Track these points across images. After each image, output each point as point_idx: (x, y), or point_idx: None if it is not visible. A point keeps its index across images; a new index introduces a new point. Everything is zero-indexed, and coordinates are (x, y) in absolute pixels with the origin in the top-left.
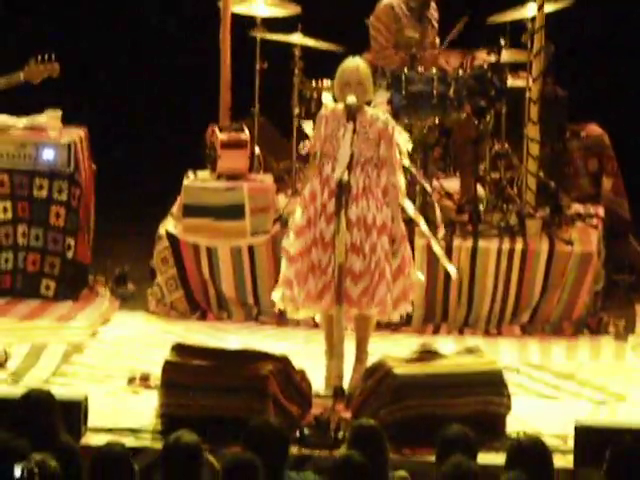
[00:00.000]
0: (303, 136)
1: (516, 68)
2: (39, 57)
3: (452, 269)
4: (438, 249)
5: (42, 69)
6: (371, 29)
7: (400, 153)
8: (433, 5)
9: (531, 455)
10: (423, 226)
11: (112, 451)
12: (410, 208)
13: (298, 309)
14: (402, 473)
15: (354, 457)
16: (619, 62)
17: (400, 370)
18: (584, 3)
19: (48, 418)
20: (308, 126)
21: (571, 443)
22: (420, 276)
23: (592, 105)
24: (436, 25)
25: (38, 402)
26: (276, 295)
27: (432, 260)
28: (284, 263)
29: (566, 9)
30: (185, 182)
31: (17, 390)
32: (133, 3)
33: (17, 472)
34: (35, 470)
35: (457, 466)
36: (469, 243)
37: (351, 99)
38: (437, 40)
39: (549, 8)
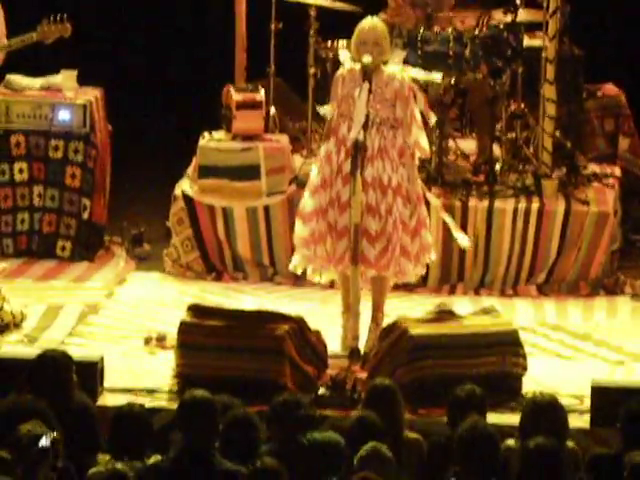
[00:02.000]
0: (319, 99)
1: (532, 28)
2: (51, 17)
3: (463, 239)
4: (449, 220)
5: (54, 29)
6: None
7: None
8: None
9: (547, 414)
10: (433, 199)
11: (132, 410)
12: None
13: (317, 269)
14: (416, 436)
15: (369, 417)
16: (636, 21)
17: (416, 330)
18: None
19: (64, 378)
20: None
21: (587, 403)
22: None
23: (609, 65)
24: None
25: (54, 362)
26: (295, 259)
27: None
28: (298, 224)
29: None
30: (200, 142)
31: (33, 351)
32: None
33: (44, 441)
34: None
35: (472, 426)
36: (485, 203)
37: (367, 59)
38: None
39: None
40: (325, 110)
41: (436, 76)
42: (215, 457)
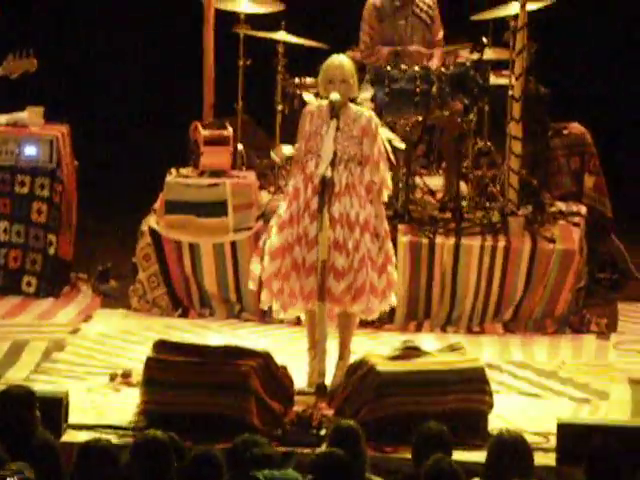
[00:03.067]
0: (287, 135)
1: (499, 66)
2: (17, 53)
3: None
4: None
5: (20, 64)
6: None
7: (386, 149)
8: (427, 1)
9: (513, 452)
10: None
11: (98, 445)
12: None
13: (283, 307)
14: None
15: (335, 454)
16: (601, 60)
17: (383, 367)
18: (566, 1)
19: (26, 415)
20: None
21: (553, 441)
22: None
23: (574, 103)
24: (430, 20)
25: (17, 398)
26: (263, 295)
27: (415, 257)
28: (266, 260)
29: (548, 7)
30: (167, 178)
31: None
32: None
33: None
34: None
35: (437, 464)
36: (452, 240)
37: (334, 96)
38: (440, 34)
39: (531, 6)
40: (276, 156)
41: (400, 145)
42: None
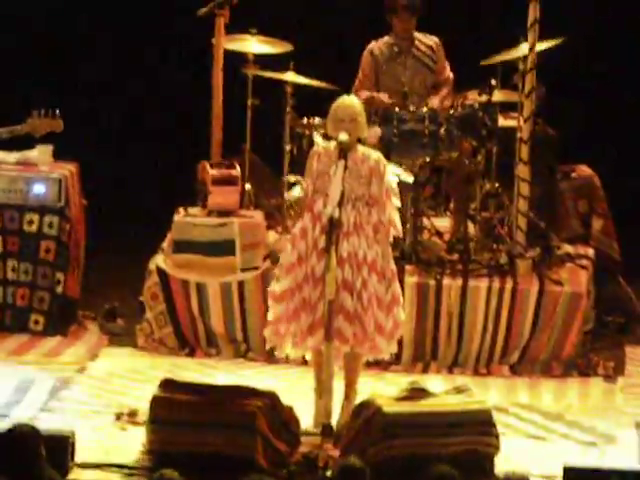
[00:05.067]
0: (295, 175)
1: (507, 108)
2: (42, 111)
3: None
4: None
5: (45, 124)
6: None
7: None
8: (429, 43)
9: None
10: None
11: None
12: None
13: (289, 346)
14: None
15: None
16: (610, 103)
17: (389, 409)
18: (574, 41)
19: (32, 453)
20: (293, 178)
21: None
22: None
23: (582, 146)
24: (432, 62)
25: (23, 437)
26: (268, 335)
27: (422, 298)
28: (272, 303)
29: (557, 47)
30: (175, 218)
31: (3, 425)
32: (126, 37)
33: None
34: None
35: None
36: (459, 282)
37: (343, 136)
38: (447, 73)
39: (540, 46)
40: (291, 196)
41: (408, 179)
42: None
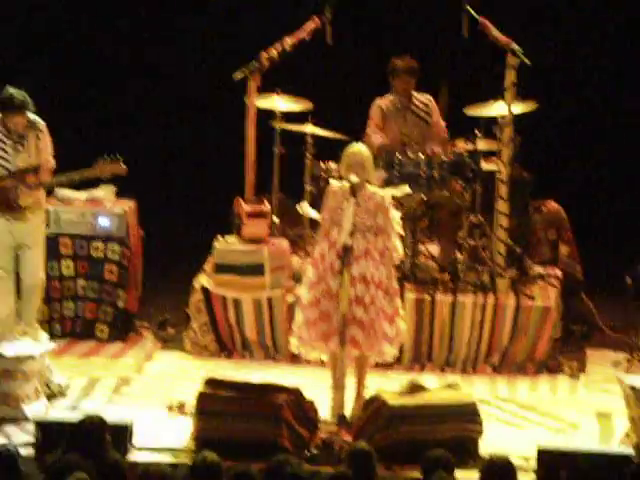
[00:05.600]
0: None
1: (489, 154)
2: (108, 156)
3: (405, 189)
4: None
5: (110, 168)
6: None
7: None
8: (424, 100)
9: (501, 472)
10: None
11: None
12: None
13: (310, 350)
14: None
15: (343, 473)
16: (574, 152)
17: (392, 402)
18: (546, 108)
19: (99, 439)
20: (304, 205)
21: (533, 463)
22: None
23: (551, 185)
24: (428, 116)
25: (91, 425)
26: (293, 341)
27: (419, 311)
28: (297, 311)
29: (530, 112)
30: (216, 245)
31: (75, 415)
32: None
33: None
34: None
35: None
36: (449, 298)
37: (354, 178)
38: (440, 124)
39: (516, 110)
40: (308, 211)
41: (406, 189)
42: None
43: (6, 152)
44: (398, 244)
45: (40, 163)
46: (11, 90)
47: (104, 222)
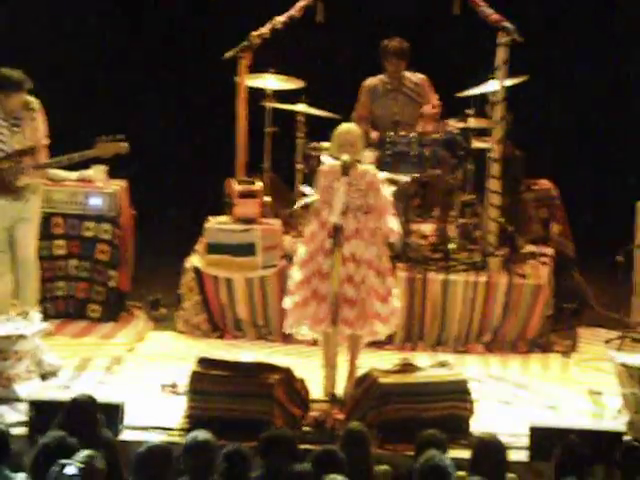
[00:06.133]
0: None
1: (481, 133)
2: (108, 136)
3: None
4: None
5: (112, 147)
6: None
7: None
8: (416, 80)
9: (492, 450)
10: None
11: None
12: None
13: (303, 329)
14: (385, 467)
15: (330, 450)
16: (568, 129)
17: (384, 380)
18: (537, 79)
19: (91, 418)
20: (304, 187)
21: (525, 441)
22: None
23: (543, 163)
24: (419, 96)
25: (83, 405)
26: (287, 322)
27: (411, 290)
28: (288, 291)
29: (523, 83)
30: (207, 225)
31: (67, 395)
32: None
33: (71, 469)
34: (83, 465)
35: (430, 458)
36: (441, 276)
37: (345, 157)
38: (434, 101)
39: (508, 82)
40: (307, 191)
41: (403, 178)
42: None
43: (2, 134)
44: (395, 223)
45: (36, 144)
46: (7, 70)
47: (96, 202)
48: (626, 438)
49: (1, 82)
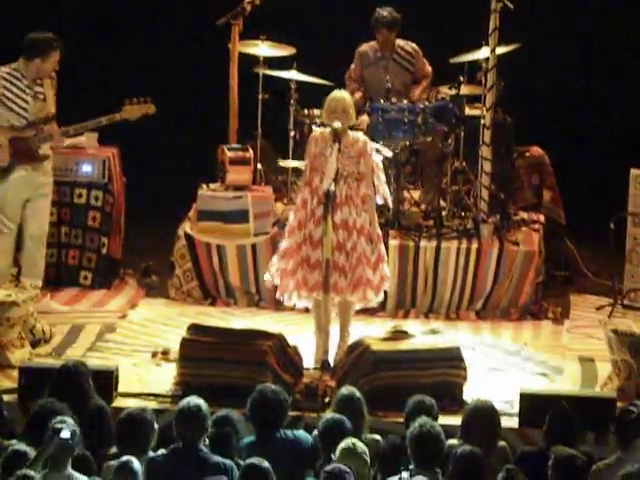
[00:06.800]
0: (298, 156)
1: (472, 100)
2: (134, 99)
3: (387, 152)
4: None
5: (139, 108)
6: None
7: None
8: (408, 49)
9: (484, 417)
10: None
11: (137, 413)
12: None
13: (294, 296)
14: (374, 436)
15: (338, 419)
16: (558, 95)
17: (376, 347)
18: (530, 46)
19: (82, 384)
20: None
21: (516, 407)
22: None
23: (535, 130)
24: (411, 65)
25: (74, 371)
26: (268, 279)
27: (403, 257)
28: (277, 259)
29: (514, 51)
30: (200, 192)
31: (59, 362)
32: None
33: (66, 433)
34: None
35: (422, 426)
36: (433, 243)
37: (337, 124)
38: (426, 69)
39: (500, 50)
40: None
41: (388, 153)
42: (204, 452)
43: (26, 102)
44: (385, 189)
45: (55, 111)
46: (37, 34)
47: (87, 168)
48: (617, 404)
49: (39, 45)
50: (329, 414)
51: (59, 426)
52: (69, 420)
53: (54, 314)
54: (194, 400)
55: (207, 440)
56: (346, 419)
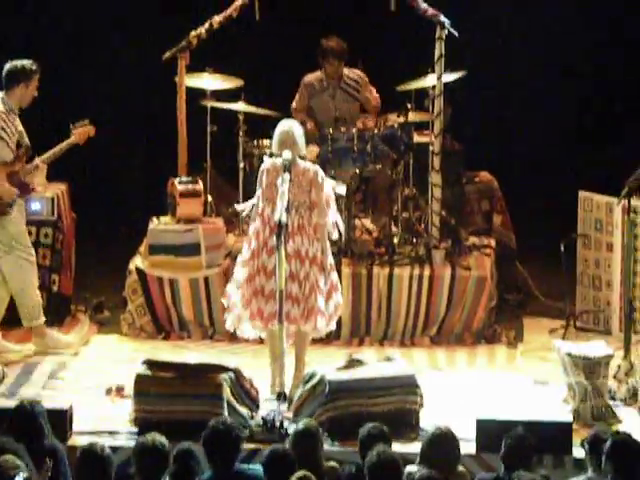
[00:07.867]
0: (248, 187)
1: (421, 127)
2: (76, 123)
3: (342, 189)
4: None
5: (84, 132)
6: None
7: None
8: (354, 77)
9: (444, 443)
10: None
11: (95, 449)
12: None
13: (248, 327)
14: (332, 464)
15: (278, 449)
16: (506, 119)
17: (331, 377)
18: (475, 73)
19: (38, 424)
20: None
21: (472, 433)
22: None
23: (484, 155)
24: (357, 93)
25: (29, 411)
26: (228, 318)
27: (356, 285)
28: (231, 289)
29: (461, 78)
30: (150, 226)
31: (13, 402)
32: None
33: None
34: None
35: (380, 454)
36: (386, 270)
37: (287, 154)
38: (373, 96)
39: (447, 78)
40: (240, 207)
41: (342, 191)
42: None
43: (14, 135)
44: (339, 220)
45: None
46: (18, 61)
47: (36, 206)
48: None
49: (22, 73)
50: (272, 446)
51: (13, 472)
52: (22, 465)
53: (6, 353)
54: (151, 436)
55: (167, 476)
56: (290, 450)
